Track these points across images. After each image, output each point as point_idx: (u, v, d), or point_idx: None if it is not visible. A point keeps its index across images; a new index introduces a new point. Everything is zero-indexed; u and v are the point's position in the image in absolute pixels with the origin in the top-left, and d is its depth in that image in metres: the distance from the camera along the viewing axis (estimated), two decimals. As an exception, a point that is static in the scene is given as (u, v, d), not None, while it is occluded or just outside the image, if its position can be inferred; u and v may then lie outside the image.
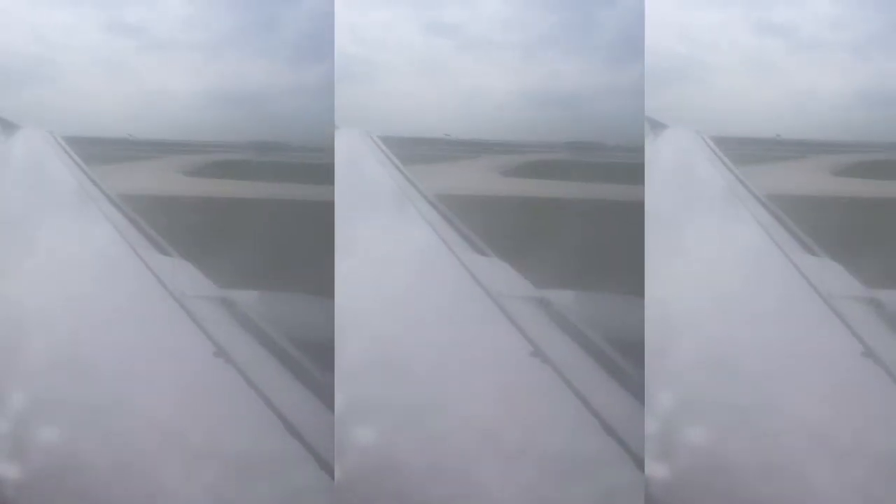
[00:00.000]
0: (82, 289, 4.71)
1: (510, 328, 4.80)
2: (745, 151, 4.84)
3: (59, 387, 4.67)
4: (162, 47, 4.70)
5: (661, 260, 4.73)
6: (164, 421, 4.64)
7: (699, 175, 4.85)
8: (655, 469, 4.72)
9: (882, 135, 4.73)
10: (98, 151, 4.77)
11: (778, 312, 4.75)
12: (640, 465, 4.71)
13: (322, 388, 4.68)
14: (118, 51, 4.70)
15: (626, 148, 4.77)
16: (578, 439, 4.72)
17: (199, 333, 4.69)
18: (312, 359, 4.70)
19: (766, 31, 4.79)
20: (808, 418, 4.66)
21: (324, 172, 4.70)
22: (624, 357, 4.76)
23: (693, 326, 4.74)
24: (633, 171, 4.76)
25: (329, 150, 4.68)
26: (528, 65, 4.78)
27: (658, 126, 4.78)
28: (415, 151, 4.84)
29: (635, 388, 4.74)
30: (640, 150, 4.75)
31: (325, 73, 4.69)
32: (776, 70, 4.76)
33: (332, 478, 4.64)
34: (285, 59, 4.71)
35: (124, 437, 4.64)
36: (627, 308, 4.74)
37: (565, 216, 4.80)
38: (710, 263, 4.78)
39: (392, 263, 4.81)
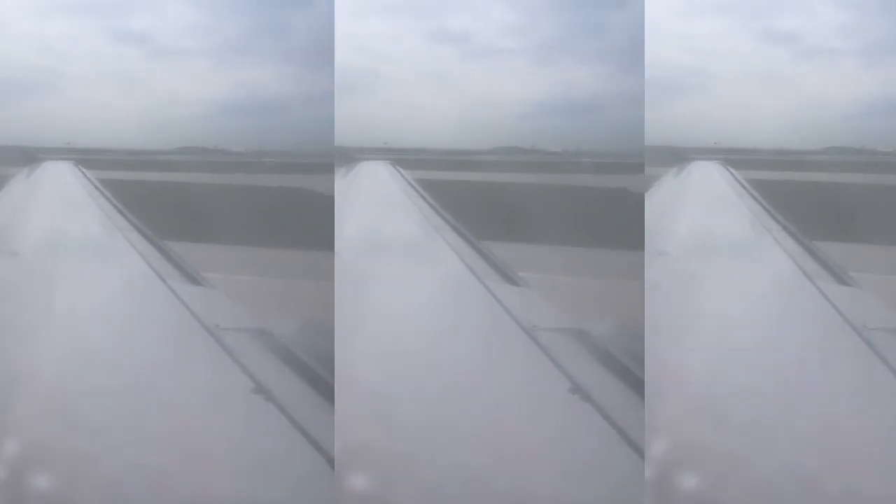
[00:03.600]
0: (113, 323, 4.56)
1: (545, 361, 4.65)
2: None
3: (82, 425, 4.46)
4: (169, 55, 4.60)
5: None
6: (200, 460, 4.44)
7: (727, 208, 4.77)
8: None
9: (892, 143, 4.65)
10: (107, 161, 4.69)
11: (810, 345, 4.65)
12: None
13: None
14: (125, 59, 4.61)
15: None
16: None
17: (235, 367, 4.50)
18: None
19: (771, 39, 4.70)
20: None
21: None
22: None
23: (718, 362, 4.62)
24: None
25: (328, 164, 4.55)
26: (538, 71, 4.67)
27: (682, 158, 4.66)
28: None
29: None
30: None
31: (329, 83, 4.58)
32: (782, 79, 4.67)
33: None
34: (295, 67, 4.59)
35: (155, 476, 4.43)
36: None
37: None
38: (739, 296, 4.68)
39: (420, 296, 4.68)
